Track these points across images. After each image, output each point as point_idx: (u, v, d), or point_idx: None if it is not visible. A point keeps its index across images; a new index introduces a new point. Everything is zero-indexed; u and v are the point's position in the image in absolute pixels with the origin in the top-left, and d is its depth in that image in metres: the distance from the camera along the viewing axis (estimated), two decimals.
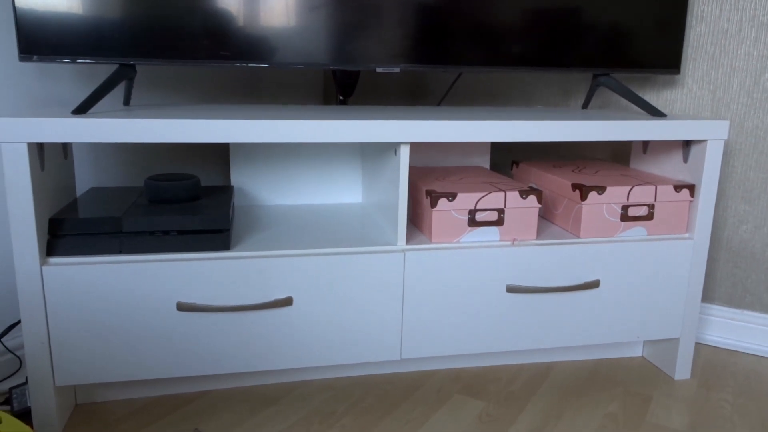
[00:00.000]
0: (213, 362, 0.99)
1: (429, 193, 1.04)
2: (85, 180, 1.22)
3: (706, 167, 1.10)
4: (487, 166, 1.36)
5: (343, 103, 1.49)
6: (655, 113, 1.16)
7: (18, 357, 1.10)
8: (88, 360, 0.94)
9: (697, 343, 1.35)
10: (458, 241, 1.06)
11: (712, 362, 1.27)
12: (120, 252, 0.94)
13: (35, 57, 0.95)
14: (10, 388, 0.99)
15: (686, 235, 1.14)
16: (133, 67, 1.02)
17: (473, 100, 1.60)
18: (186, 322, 0.96)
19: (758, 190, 1.27)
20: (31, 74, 1.09)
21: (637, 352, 1.28)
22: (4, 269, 1.09)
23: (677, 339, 1.17)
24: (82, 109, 0.93)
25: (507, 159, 1.55)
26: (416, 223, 1.13)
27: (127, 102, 1.11)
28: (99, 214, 0.95)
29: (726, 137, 1.08)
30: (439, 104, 1.58)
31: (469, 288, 1.05)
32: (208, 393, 1.10)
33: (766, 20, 1.21)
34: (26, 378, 1.03)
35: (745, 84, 1.25)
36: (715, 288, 1.35)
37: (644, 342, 1.27)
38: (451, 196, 1.03)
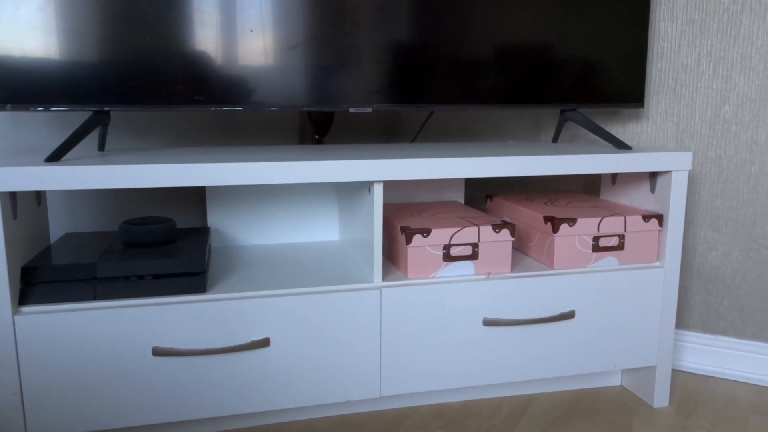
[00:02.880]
0: (191, 407, 0.98)
1: (404, 229, 1.05)
2: (59, 226, 1.21)
3: (672, 197, 1.13)
4: (462, 200, 1.38)
5: (319, 141, 1.51)
6: (620, 146, 1.20)
7: None
8: (63, 409, 0.93)
9: (674, 370, 1.37)
10: (434, 276, 1.07)
11: (689, 389, 1.28)
12: (94, 298, 0.93)
13: (8, 106, 0.95)
14: None
15: (657, 263, 1.16)
16: (107, 113, 1.03)
17: (447, 135, 1.63)
18: (162, 367, 0.95)
19: (725, 217, 1.30)
20: (4, 122, 1.09)
21: (616, 381, 1.29)
22: None
23: (654, 367, 1.18)
24: (55, 157, 0.93)
25: (482, 192, 1.58)
26: (392, 259, 1.14)
27: (101, 147, 1.12)
28: (73, 260, 0.95)
29: (690, 167, 1.12)
30: (412, 141, 1.61)
31: (447, 322, 1.06)
32: None
33: (722, 55, 1.27)
34: None
35: (707, 116, 1.30)
36: (689, 315, 1.37)
37: (623, 371, 1.28)
38: (426, 232, 1.05)
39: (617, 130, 1.39)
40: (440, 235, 1.05)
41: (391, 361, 1.05)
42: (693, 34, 1.29)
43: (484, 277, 1.08)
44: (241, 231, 1.30)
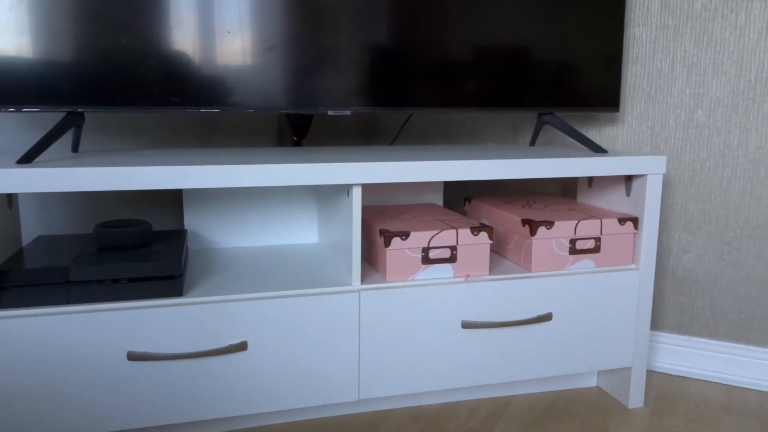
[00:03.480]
0: (166, 411, 0.96)
1: (382, 232, 1.05)
2: (32, 228, 1.19)
3: (647, 200, 1.14)
4: (441, 203, 1.38)
5: (298, 143, 1.51)
6: (596, 149, 1.21)
7: None
8: (36, 415, 0.91)
9: (648, 371, 1.39)
10: (413, 279, 1.07)
11: (664, 389, 1.30)
12: (68, 302, 0.92)
13: None
14: None
15: (632, 265, 1.18)
16: (81, 114, 1.02)
17: (426, 137, 1.63)
18: (137, 371, 0.94)
19: (698, 220, 1.33)
20: None
21: (593, 382, 1.30)
22: None
23: (630, 368, 1.20)
24: (27, 159, 0.92)
25: (460, 195, 1.59)
26: (371, 261, 1.13)
27: (75, 149, 1.10)
28: (45, 263, 0.93)
29: (664, 171, 1.14)
30: (391, 143, 1.61)
31: (425, 325, 1.06)
32: None
33: (696, 60, 1.29)
34: None
35: (681, 120, 1.32)
36: (663, 316, 1.39)
37: (599, 372, 1.30)
38: (405, 235, 1.05)
39: (593, 134, 1.41)
40: (419, 238, 1.06)
41: (370, 364, 1.05)
42: (667, 39, 1.31)
43: (462, 279, 1.08)
44: (219, 233, 1.29)
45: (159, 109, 1.01)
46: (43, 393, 0.91)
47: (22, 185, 0.85)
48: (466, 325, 1.08)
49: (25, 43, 0.94)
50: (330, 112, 1.11)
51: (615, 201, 1.23)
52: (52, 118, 1.20)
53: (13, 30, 0.93)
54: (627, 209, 1.20)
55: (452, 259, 1.08)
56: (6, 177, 0.84)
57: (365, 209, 1.27)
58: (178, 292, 0.96)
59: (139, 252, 1.01)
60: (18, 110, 0.95)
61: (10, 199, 1.03)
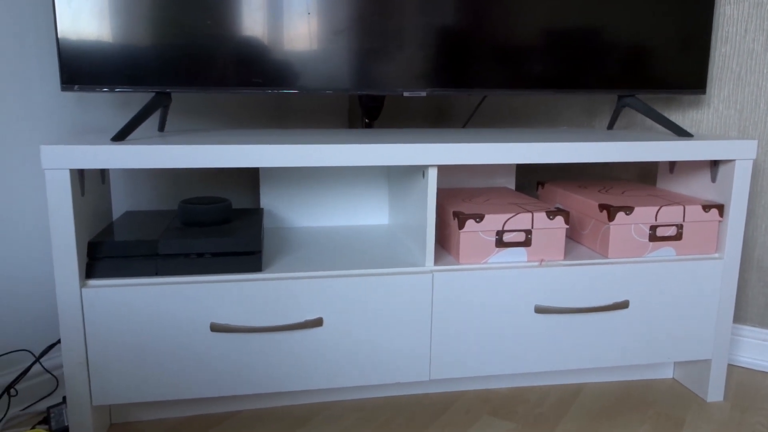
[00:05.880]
0: (244, 382, 1.00)
1: (456, 214, 1.05)
2: (119, 204, 1.25)
3: (734, 187, 1.09)
4: (513, 187, 1.37)
5: (369, 126, 1.52)
6: (681, 133, 1.16)
7: (55, 377, 1.12)
8: (124, 380, 0.96)
9: (729, 365, 1.33)
10: (486, 262, 1.06)
11: (746, 384, 1.25)
12: (156, 274, 0.97)
13: (76, 87, 0.99)
14: (48, 408, 1.02)
15: (716, 255, 1.13)
16: (168, 94, 1.06)
17: (498, 121, 1.61)
18: (219, 342, 0.98)
19: None
20: (70, 103, 1.13)
21: (668, 373, 1.26)
22: (44, 291, 1.12)
23: (709, 360, 1.16)
24: (120, 136, 0.96)
25: (532, 180, 1.56)
26: (443, 244, 1.14)
27: (162, 128, 1.15)
28: (135, 237, 0.98)
29: (754, 157, 1.08)
30: (464, 126, 1.60)
31: (497, 309, 1.06)
32: (239, 413, 1.11)
33: None
34: (63, 397, 1.05)
35: None
36: (747, 308, 1.33)
37: (675, 363, 1.26)
38: (479, 218, 1.04)
39: (676, 117, 1.36)
40: (493, 221, 1.05)
41: (441, 345, 1.05)
42: (761, 17, 1.24)
43: (536, 264, 1.07)
44: (293, 213, 1.32)
45: (241, 90, 1.04)
46: (132, 358, 0.96)
47: (117, 161, 0.89)
48: (539, 310, 1.07)
49: (116, 28, 0.98)
50: (406, 94, 1.11)
51: (698, 188, 1.18)
52: (139, 97, 1.25)
53: (106, 15, 0.97)
54: (711, 196, 1.15)
55: (526, 243, 1.07)
56: (102, 153, 0.89)
57: (437, 191, 1.27)
58: (257, 267, 0.99)
59: (221, 228, 1.05)
60: (111, 90, 1.00)
61: (104, 174, 1.09)
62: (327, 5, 1.05)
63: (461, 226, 1.04)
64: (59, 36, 0.96)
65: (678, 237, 1.11)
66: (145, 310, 0.95)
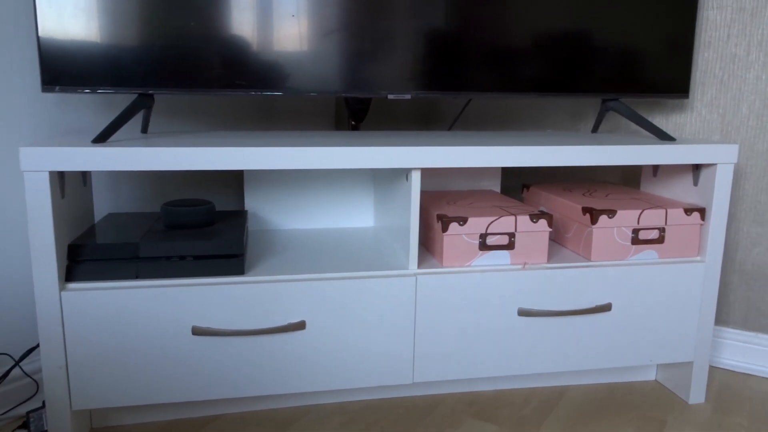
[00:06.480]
0: (227, 386, 1.00)
1: (440, 217, 1.05)
2: (102, 205, 1.24)
3: (716, 190, 1.10)
4: (498, 189, 1.37)
5: (355, 128, 1.52)
6: (664, 137, 1.17)
7: (35, 381, 1.11)
8: (105, 384, 0.96)
9: (711, 367, 1.34)
10: (469, 265, 1.06)
11: (727, 386, 1.26)
12: (137, 277, 0.96)
13: (57, 88, 0.98)
14: (27, 412, 1.01)
15: (698, 258, 1.14)
16: (151, 96, 1.05)
17: (484, 124, 1.61)
18: (201, 346, 0.97)
19: None
20: (51, 104, 1.12)
21: (651, 375, 1.27)
22: (23, 294, 1.11)
23: (691, 362, 1.16)
24: (102, 138, 0.95)
25: (517, 182, 1.56)
26: (428, 246, 1.14)
27: (144, 130, 1.14)
28: (117, 239, 0.97)
29: (736, 161, 1.09)
30: (449, 129, 1.60)
31: (481, 312, 1.06)
32: (221, 417, 1.10)
33: None
34: (43, 402, 1.04)
35: (755, 107, 1.26)
36: (729, 311, 1.34)
37: (658, 366, 1.26)
38: (462, 221, 1.04)
39: (660, 121, 1.36)
40: (477, 224, 1.05)
41: (425, 348, 1.05)
42: (743, 22, 1.25)
43: (520, 267, 1.07)
44: (278, 215, 1.31)
45: (224, 92, 1.04)
46: (112, 362, 0.95)
47: (98, 163, 0.89)
48: (523, 313, 1.07)
49: (99, 28, 0.97)
50: (390, 96, 1.11)
51: (680, 191, 1.19)
52: (122, 99, 1.24)
53: (88, 15, 0.97)
54: (693, 200, 1.16)
55: (510, 246, 1.07)
56: (83, 155, 0.88)
57: (422, 194, 1.27)
58: (240, 270, 0.99)
59: (204, 231, 1.04)
60: (93, 92, 0.99)
61: (85, 176, 1.08)
62: (311, 8, 1.04)
63: (445, 229, 1.04)
64: (40, 35, 0.95)
65: (660, 240, 1.12)
66: (126, 313, 0.94)
